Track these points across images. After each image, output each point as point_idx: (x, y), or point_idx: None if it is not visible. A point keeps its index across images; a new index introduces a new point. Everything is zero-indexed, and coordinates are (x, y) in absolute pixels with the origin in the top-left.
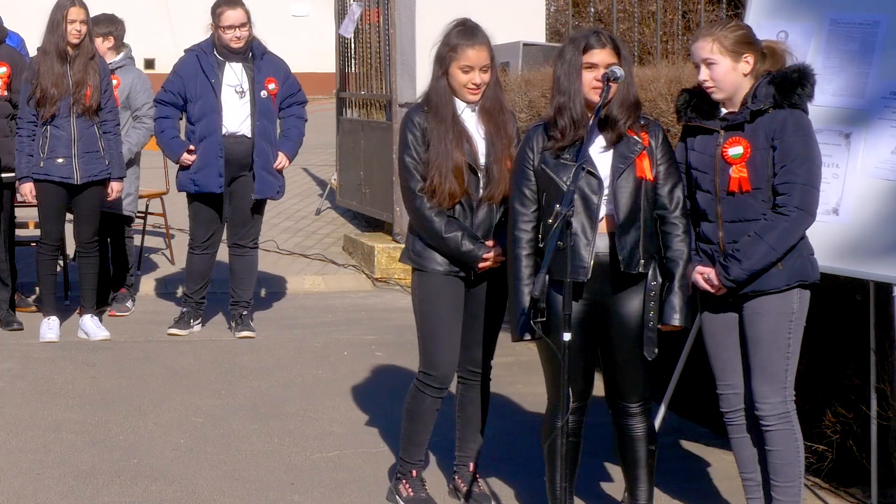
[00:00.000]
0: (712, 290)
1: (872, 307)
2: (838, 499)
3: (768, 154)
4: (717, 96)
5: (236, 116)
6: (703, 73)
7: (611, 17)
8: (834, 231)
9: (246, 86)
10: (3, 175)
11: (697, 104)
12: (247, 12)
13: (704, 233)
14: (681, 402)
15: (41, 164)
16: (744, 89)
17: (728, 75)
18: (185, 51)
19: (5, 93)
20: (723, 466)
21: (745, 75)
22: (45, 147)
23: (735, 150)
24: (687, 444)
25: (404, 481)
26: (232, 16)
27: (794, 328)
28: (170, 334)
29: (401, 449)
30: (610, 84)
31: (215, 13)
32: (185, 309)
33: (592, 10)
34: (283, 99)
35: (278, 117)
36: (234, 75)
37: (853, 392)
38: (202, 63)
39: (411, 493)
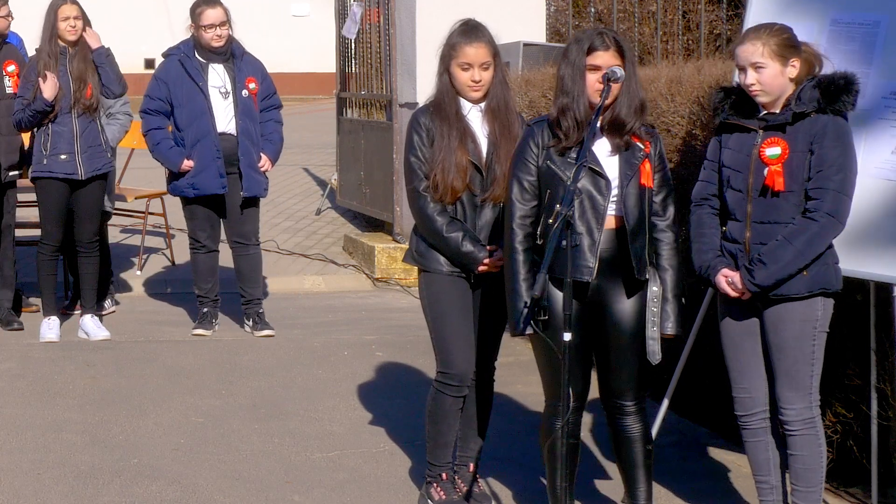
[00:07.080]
0: (736, 294)
1: (872, 307)
2: (838, 499)
3: (805, 158)
4: (761, 99)
5: (223, 117)
6: (751, 77)
7: (611, 17)
8: None
9: (229, 86)
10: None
11: (737, 102)
12: (226, 11)
13: (730, 232)
14: (681, 401)
15: (44, 162)
16: (787, 93)
17: (776, 79)
18: (164, 55)
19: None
20: (722, 465)
21: (791, 80)
22: (47, 144)
23: (773, 151)
24: (687, 444)
25: (435, 485)
26: (212, 14)
27: (818, 335)
28: (195, 335)
29: (427, 453)
30: (610, 84)
31: (195, 13)
32: (204, 309)
33: (592, 10)
34: (261, 99)
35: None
36: (217, 76)
37: (853, 392)
38: (186, 67)
39: (444, 497)
